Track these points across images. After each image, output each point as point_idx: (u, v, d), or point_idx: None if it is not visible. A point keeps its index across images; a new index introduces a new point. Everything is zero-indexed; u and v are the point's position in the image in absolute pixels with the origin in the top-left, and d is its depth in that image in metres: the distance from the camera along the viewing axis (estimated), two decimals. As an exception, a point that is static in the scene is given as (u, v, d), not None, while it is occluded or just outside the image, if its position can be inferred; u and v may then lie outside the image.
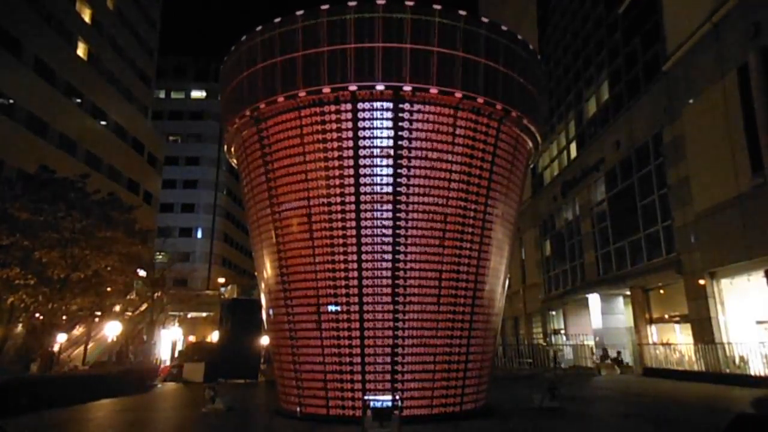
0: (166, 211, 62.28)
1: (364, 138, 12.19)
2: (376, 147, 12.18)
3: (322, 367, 12.12)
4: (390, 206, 12.05)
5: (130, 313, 33.23)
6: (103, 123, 42.02)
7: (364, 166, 12.13)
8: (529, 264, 43.26)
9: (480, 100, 12.58)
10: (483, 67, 12.64)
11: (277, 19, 12.93)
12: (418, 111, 12.31)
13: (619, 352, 27.64)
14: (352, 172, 12.15)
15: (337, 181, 12.20)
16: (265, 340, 26.14)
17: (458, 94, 12.32)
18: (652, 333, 25.99)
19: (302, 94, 12.36)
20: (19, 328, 23.30)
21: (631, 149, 26.75)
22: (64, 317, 24.05)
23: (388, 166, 12.14)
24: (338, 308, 12.02)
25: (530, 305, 41.91)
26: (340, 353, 11.93)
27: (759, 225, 17.86)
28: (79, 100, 38.96)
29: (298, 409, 12.63)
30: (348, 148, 12.21)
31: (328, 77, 12.16)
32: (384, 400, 9.63)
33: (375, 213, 12.04)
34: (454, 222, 12.43)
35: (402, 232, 12.02)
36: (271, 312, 13.57)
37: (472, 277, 12.70)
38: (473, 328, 12.69)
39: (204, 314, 47.72)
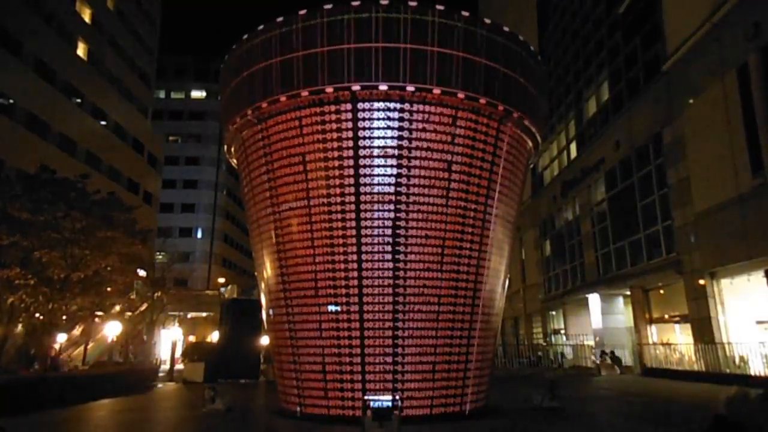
0: (166, 211, 62.26)
1: (364, 138, 12.19)
2: (376, 147, 12.19)
3: (322, 367, 12.12)
4: (390, 206, 12.05)
5: (130, 313, 33.20)
6: (103, 123, 41.99)
7: (364, 166, 12.13)
8: (529, 264, 43.24)
9: (480, 100, 12.59)
10: (483, 67, 12.64)
11: (277, 19, 12.94)
12: (418, 111, 12.31)
13: (612, 351, 27.57)
14: (352, 172, 12.15)
15: (337, 181, 12.20)
16: (265, 340, 26.14)
17: (459, 95, 12.33)
18: (652, 333, 25.99)
19: (302, 94, 12.37)
20: (19, 328, 23.26)
21: (631, 149, 26.75)
22: (64, 317, 24.02)
23: (388, 166, 12.15)
24: (338, 308, 12.02)
25: (530, 305, 41.90)
26: (340, 353, 11.93)
27: (759, 225, 17.86)
28: (79, 100, 38.93)
29: (298, 409, 12.63)
30: (348, 148, 12.21)
31: (328, 77, 12.17)
32: (384, 400, 9.64)
33: (375, 213, 12.04)
34: (454, 222, 12.43)
35: (402, 232, 12.02)
36: (271, 312, 13.57)
37: (472, 277, 12.69)
38: (473, 328, 12.69)
39: (204, 314, 47.71)
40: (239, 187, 16.35)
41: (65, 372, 22.67)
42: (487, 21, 13.14)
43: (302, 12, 12.61)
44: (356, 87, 12.07)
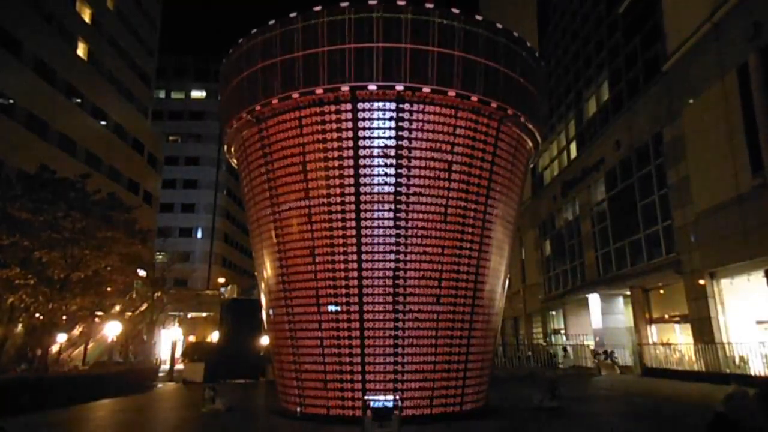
0: (166, 211, 62.19)
1: (364, 138, 12.19)
2: (376, 147, 12.19)
3: (322, 367, 12.13)
4: (390, 206, 12.06)
5: (130, 313, 33.20)
6: (103, 123, 41.94)
7: (364, 166, 12.14)
8: (529, 264, 43.24)
9: (479, 99, 12.59)
10: (483, 67, 12.63)
11: (277, 19, 12.94)
12: (418, 111, 12.32)
13: (605, 351, 27.61)
14: (352, 172, 12.16)
15: (337, 181, 12.20)
16: (265, 340, 26.15)
17: (457, 94, 12.32)
18: (652, 333, 25.98)
19: (304, 93, 12.37)
20: (19, 328, 23.26)
21: (631, 149, 26.74)
22: (64, 317, 24.01)
23: (388, 166, 12.15)
24: (338, 308, 12.02)
25: (530, 305, 41.90)
26: (340, 353, 11.93)
27: (759, 225, 17.84)
28: (79, 100, 38.90)
29: (298, 409, 12.64)
30: (348, 148, 12.21)
31: (328, 77, 12.17)
32: (384, 400, 9.65)
33: (375, 213, 12.04)
34: (454, 222, 12.43)
35: (402, 232, 12.03)
36: (271, 312, 13.58)
37: (472, 277, 12.70)
38: (473, 328, 12.69)
39: (204, 314, 47.71)
40: (239, 187, 16.35)
41: (54, 372, 22.56)
42: (487, 21, 13.14)
43: (302, 12, 12.61)
44: (355, 87, 12.06)
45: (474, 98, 12.54)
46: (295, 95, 12.44)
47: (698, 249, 21.24)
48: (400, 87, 12.05)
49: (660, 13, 24.88)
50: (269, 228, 13.33)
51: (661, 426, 11.85)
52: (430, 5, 12.31)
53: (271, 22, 13.03)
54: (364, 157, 12.15)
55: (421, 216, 12.16)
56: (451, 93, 12.27)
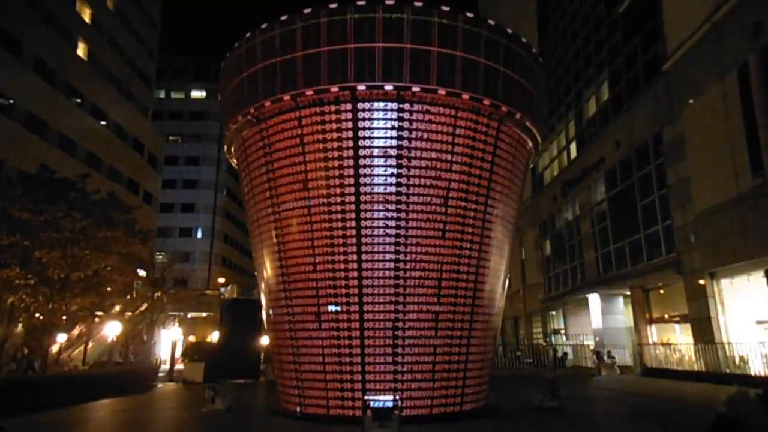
0: (166, 211, 62.20)
1: (364, 138, 12.18)
2: (376, 147, 12.19)
3: (322, 367, 12.12)
4: (390, 206, 12.05)
5: (130, 313, 33.20)
6: (103, 123, 41.95)
7: (364, 166, 12.13)
8: (529, 264, 43.24)
9: (481, 100, 12.59)
10: (483, 68, 12.63)
11: (277, 19, 12.93)
12: (418, 111, 12.31)
13: (609, 351, 27.64)
14: (352, 172, 12.15)
15: (337, 181, 12.20)
16: (265, 340, 26.15)
17: (471, 97, 12.32)
18: (652, 333, 25.99)
19: (304, 93, 12.36)
20: (19, 328, 23.27)
21: (631, 149, 26.75)
22: (64, 317, 24.01)
23: (388, 166, 12.14)
24: (338, 308, 12.02)
25: (530, 305, 41.90)
26: (340, 353, 11.93)
27: (759, 225, 17.85)
28: (79, 100, 38.91)
29: (298, 409, 12.63)
30: (348, 148, 12.21)
31: (328, 77, 12.16)
32: (384, 400, 9.64)
33: (375, 213, 12.04)
34: (454, 222, 12.43)
35: (402, 232, 12.02)
36: (271, 312, 13.58)
37: (472, 277, 12.69)
38: (473, 328, 12.69)
39: (204, 314, 47.70)
40: (239, 187, 16.34)
41: (54, 372, 22.57)
42: (487, 21, 13.13)
43: (302, 12, 12.60)
44: (358, 87, 12.05)
45: (486, 102, 12.56)
46: (293, 96, 12.42)
47: (698, 249, 21.25)
48: (416, 88, 12.04)
49: (660, 13, 24.88)
50: (269, 228, 13.33)
51: (661, 426, 11.84)
52: (446, 8, 12.30)
53: (272, 22, 13.02)
54: (364, 157, 12.14)
55: (421, 216, 12.15)
56: (465, 96, 12.28)
